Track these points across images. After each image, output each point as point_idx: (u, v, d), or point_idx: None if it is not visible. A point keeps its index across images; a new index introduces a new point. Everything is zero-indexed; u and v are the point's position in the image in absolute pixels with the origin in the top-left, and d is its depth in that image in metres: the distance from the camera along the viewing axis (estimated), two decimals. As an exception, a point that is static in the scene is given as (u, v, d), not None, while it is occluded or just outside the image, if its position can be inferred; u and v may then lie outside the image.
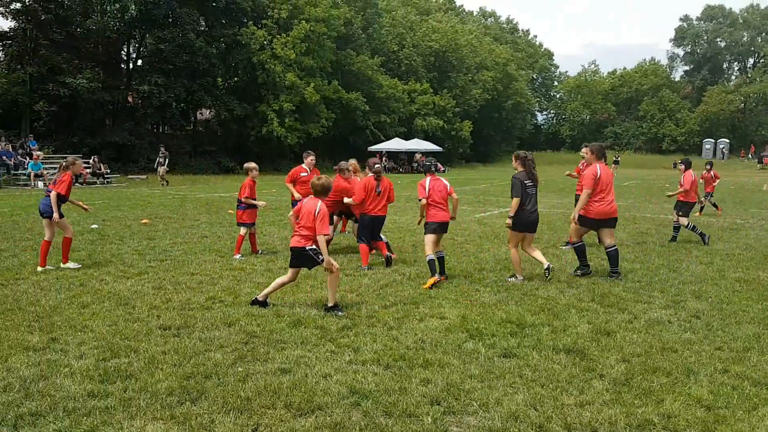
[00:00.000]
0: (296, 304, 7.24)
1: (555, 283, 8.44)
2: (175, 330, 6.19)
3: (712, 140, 71.53)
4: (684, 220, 12.50)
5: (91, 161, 30.68)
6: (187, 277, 8.70)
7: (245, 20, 43.78)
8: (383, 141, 50.24)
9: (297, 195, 10.96)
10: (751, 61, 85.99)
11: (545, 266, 8.48)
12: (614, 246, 8.88)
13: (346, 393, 4.68)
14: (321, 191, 6.98)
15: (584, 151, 10.09)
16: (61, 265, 9.27)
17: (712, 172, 18.20)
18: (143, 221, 14.87)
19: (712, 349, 5.80)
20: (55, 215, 9.06)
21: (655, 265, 9.84)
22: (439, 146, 52.92)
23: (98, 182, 29.85)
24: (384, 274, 8.84)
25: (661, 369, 5.23)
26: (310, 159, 11.37)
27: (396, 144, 50.02)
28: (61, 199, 9.22)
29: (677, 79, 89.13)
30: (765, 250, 11.63)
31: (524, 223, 8.46)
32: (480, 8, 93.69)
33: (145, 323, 6.40)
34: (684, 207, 12.62)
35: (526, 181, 8.40)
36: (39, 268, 9.04)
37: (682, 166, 13.01)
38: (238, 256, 10.26)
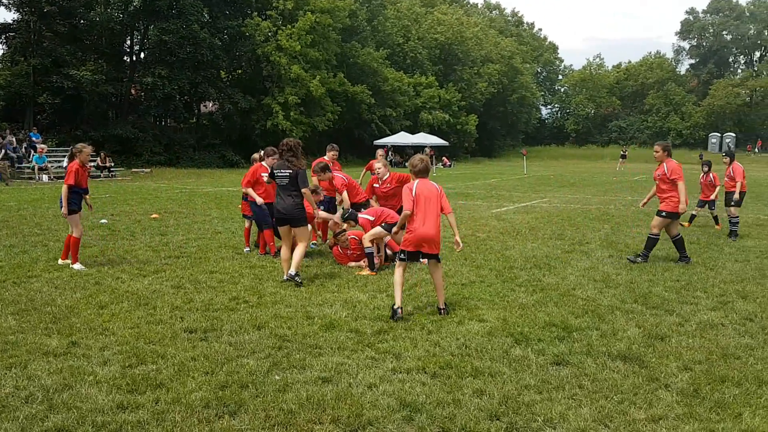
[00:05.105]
0: (325, 304, 6.88)
1: (592, 283, 8.08)
2: (202, 333, 5.83)
3: (718, 134, 71.01)
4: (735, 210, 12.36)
5: (99, 156, 30.14)
6: (206, 275, 8.34)
7: (249, 11, 43.36)
8: (389, 135, 49.74)
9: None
10: (758, 54, 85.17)
11: (285, 276, 7.86)
12: (678, 234, 9.67)
13: (396, 406, 4.31)
14: (424, 170, 6.80)
15: (656, 148, 9.67)
16: (70, 265, 8.71)
17: (711, 175, 13.70)
18: (153, 216, 14.51)
19: (776, 355, 5.44)
20: (63, 209, 8.67)
21: (691, 264, 9.47)
22: (445, 140, 52.41)
23: (102, 176, 29.46)
24: (411, 273, 8.45)
25: (729, 378, 4.86)
26: (332, 153, 10.92)
27: (402, 138, 49.50)
28: (74, 190, 8.70)
29: (683, 72, 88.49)
30: (798, 247, 11.25)
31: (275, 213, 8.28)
32: (485, 0, 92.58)
33: (169, 325, 6.03)
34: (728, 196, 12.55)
35: (276, 170, 8.07)
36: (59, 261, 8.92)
37: (727, 159, 12.85)
38: (246, 249, 10.25)
